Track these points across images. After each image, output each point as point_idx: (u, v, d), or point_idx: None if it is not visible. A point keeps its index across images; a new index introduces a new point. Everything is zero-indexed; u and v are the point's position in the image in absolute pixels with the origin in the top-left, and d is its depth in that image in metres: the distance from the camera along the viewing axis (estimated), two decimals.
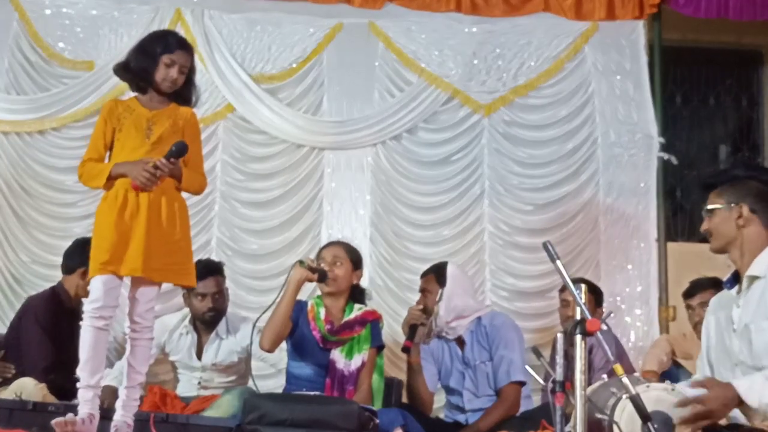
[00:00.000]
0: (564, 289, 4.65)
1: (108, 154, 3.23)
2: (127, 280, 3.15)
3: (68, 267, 4.38)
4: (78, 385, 3.09)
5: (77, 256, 4.29)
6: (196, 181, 3.29)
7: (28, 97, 5.29)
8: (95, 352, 3.07)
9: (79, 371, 3.08)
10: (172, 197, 3.16)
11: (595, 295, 4.71)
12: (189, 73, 3.28)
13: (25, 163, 5.24)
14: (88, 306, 3.09)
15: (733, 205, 2.85)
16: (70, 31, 5.32)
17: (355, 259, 3.98)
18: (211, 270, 4.34)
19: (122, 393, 3.14)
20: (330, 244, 4.12)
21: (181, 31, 5.25)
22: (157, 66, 3.19)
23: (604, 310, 4.83)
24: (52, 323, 4.26)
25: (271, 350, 3.85)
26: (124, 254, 3.06)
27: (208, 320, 4.32)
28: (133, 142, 3.17)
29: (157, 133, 3.17)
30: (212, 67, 5.36)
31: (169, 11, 5.37)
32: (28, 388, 3.75)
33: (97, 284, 3.08)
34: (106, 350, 3.16)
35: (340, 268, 3.88)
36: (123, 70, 3.27)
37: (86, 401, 3.05)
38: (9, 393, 3.72)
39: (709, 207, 2.92)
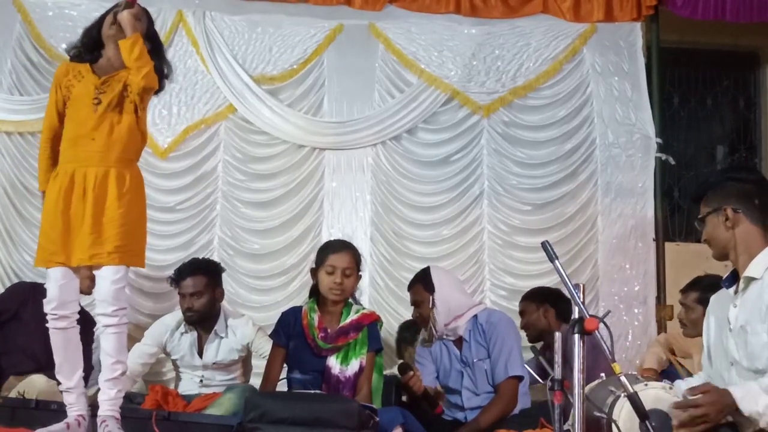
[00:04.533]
0: None
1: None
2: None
3: None
4: (59, 388, 3.04)
5: None
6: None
7: (30, 97, 5.28)
8: (67, 354, 2.98)
9: (57, 375, 3.02)
10: (108, 176, 2.94)
11: (557, 306, 4.53)
12: (155, 45, 3.10)
13: (28, 162, 5.23)
14: (46, 308, 2.94)
15: (718, 209, 2.88)
16: (72, 32, 5.25)
17: (360, 264, 3.78)
18: (192, 270, 4.29)
19: (103, 386, 2.98)
20: (339, 249, 3.76)
21: (182, 33, 5.34)
22: (104, 21, 3.02)
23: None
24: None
25: None
26: (72, 243, 2.90)
27: (187, 320, 4.28)
28: (79, 115, 3.00)
29: (106, 102, 2.98)
30: (214, 68, 5.38)
31: (171, 13, 5.37)
32: (38, 386, 3.77)
33: (50, 282, 2.93)
34: (79, 348, 3.04)
35: (349, 279, 3.69)
36: (73, 47, 3.11)
37: (71, 404, 3.00)
38: (14, 391, 3.74)
39: (700, 216, 2.96)
